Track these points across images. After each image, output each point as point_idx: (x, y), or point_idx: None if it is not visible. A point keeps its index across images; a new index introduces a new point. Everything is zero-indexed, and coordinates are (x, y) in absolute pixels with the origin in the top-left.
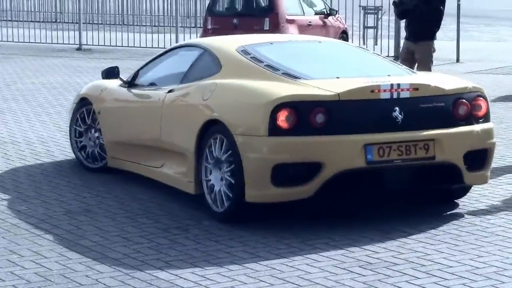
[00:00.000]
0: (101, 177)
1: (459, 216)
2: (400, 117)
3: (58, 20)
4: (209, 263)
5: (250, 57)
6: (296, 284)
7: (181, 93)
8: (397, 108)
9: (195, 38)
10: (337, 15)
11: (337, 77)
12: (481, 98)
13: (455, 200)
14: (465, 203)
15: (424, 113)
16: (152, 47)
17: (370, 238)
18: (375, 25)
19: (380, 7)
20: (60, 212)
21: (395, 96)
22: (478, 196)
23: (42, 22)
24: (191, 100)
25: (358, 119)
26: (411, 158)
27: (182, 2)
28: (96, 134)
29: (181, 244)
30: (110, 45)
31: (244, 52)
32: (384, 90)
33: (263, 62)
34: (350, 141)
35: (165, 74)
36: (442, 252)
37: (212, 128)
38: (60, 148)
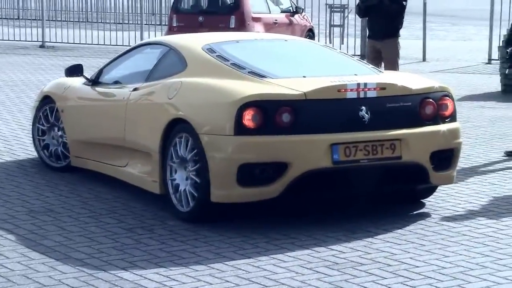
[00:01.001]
0: (65, 177)
1: (425, 216)
2: (366, 116)
3: (21, 17)
4: (174, 263)
5: (216, 56)
6: (262, 285)
7: (146, 91)
8: (363, 108)
9: (160, 36)
10: (303, 13)
11: (304, 76)
12: (447, 98)
13: (422, 200)
14: (431, 203)
15: (391, 113)
16: (116, 45)
17: (336, 238)
18: (341, 23)
19: (346, 6)
20: (22, 211)
21: (361, 95)
22: (444, 196)
23: (4, 18)
24: (156, 98)
25: (325, 118)
26: (377, 158)
27: None
28: (59, 133)
29: (146, 244)
30: (74, 43)
31: (210, 50)
32: (351, 90)
33: (228, 61)
34: (316, 140)
35: (129, 72)
36: (408, 252)
37: (177, 127)
38: (22, 146)
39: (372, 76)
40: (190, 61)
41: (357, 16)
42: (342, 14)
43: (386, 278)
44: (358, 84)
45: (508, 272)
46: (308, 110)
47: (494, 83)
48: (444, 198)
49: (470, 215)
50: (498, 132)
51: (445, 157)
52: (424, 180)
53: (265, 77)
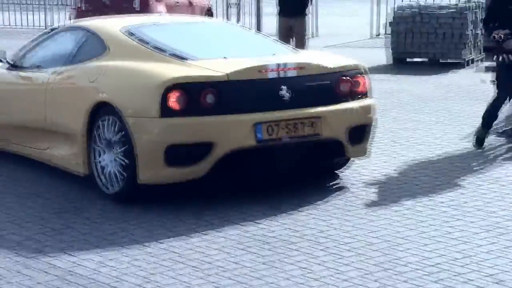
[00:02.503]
0: None
1: (343, 189)
2: (287, 95)
3: None
4: (106, 246)
5: (136, 38)
6: (198, 268)
7: (66, 75)
8: (284, 87)
9: (66, 18)
10: None
11: (224, 57)
12: (362, 75)
13: (336, 172)
14: (346, 174)
15: (310, 91)
16: (21, 27)
17: (263, 212)
18: (238, 2)
19: None
20: None
21: (282, 75)
22: (356, 167)
23: None
24: (77, 82)
25: (247, 98)
26: (298, 135)
27: None
28: None
29: (75, 229)
30: None
31: (129, 33)
32: (272, 70)
33: (149, 43)
34: (240, 120)
35: (49, 56)
36: (335, 229)
37: (102, 110)
38: None
39: (291, 56)
40: (110, 44)
41: None
42: None
43: (319, 257)
44: (278, 64)
45: (435, 245)
46: (231, 91)
47: (384, 56)
48: (357, 169)
49: (386, 187)
50: (397, 104)
51: (360, 131)
52: (341, 154)
53: (186, 59)
